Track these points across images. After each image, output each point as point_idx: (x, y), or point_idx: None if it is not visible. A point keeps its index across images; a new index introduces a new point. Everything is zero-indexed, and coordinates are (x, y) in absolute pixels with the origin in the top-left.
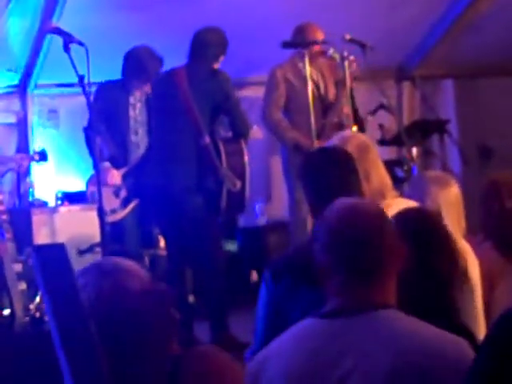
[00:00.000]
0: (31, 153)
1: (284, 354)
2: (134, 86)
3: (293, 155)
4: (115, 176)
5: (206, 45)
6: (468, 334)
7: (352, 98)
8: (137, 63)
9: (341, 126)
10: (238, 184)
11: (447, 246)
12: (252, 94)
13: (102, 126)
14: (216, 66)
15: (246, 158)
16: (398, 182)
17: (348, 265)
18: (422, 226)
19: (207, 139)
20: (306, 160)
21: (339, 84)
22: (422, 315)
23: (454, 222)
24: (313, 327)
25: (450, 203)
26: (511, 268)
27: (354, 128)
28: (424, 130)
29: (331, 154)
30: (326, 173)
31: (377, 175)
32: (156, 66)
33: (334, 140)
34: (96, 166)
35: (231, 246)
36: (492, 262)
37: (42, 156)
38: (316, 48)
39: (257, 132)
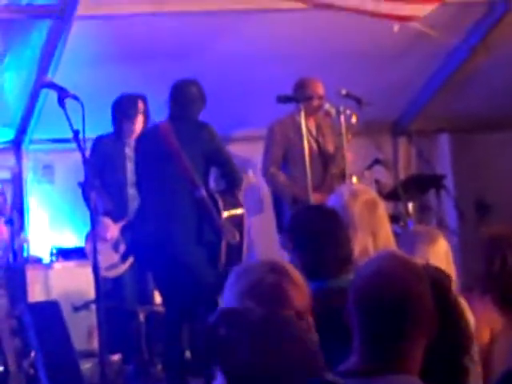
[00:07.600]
0: None
1: None
2: (126, 133)
3: (292, 209)
4: (113, 230)
5: (190, 99)
6: None
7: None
8: (122, 109)
9: (342, 177)
10: (237, 236)
11: (458, 312)
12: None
13: (97, 181)
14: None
15: (243, 210)
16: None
17: (369, 328)
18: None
19: (203, 192)
20: (299, 221)
21: (340, 137)
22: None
23: None
24: None
25: (438, 258)
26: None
27: (354, 179)
28: (420, 185)
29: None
30: (321, 232)
31: (383, 233)
32: (139, 104)
33: (344, 193)
34: (91, 222)
35: None
36: (492, 317)
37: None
38: (315, 102)
39: (252, 178)
